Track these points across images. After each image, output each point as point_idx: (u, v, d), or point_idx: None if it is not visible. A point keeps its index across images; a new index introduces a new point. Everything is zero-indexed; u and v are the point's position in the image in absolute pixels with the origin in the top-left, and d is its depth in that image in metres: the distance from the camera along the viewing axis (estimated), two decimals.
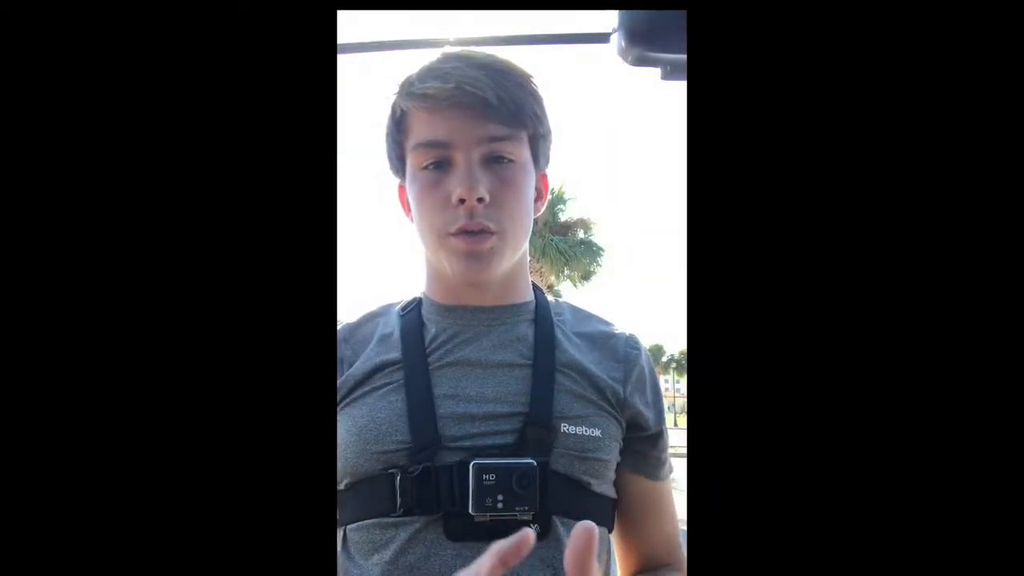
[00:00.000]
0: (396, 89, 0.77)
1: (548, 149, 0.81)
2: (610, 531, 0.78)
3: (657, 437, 0.80)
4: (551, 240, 16.83)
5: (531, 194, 0.78)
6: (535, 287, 0.86)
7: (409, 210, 0.80)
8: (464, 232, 0.73)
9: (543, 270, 16.78)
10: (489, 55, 0.75)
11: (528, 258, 0.85)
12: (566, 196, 17.76)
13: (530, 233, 0.80)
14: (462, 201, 0.71)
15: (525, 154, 0.76)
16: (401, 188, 0.82)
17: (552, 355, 0.76)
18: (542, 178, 0.83)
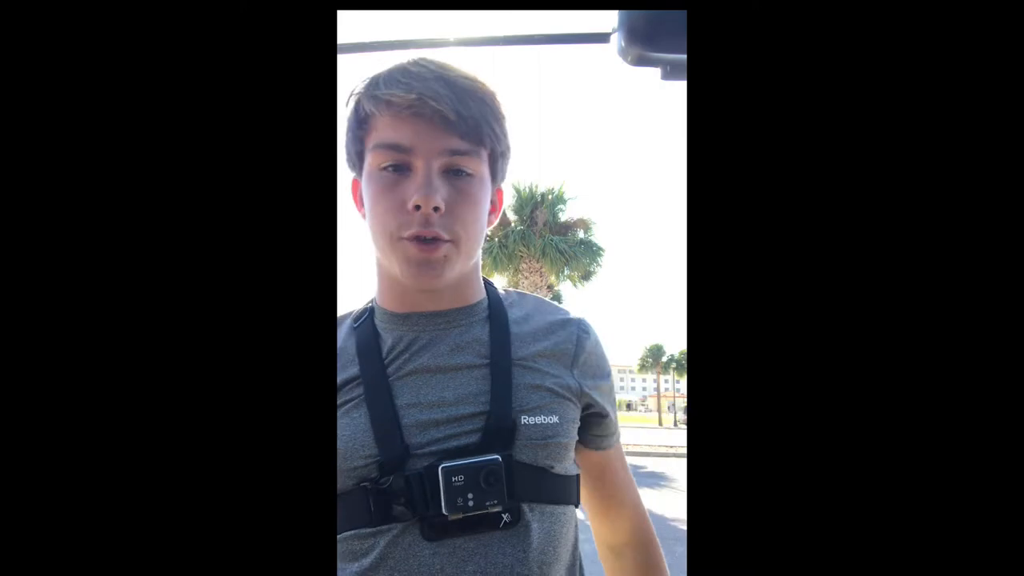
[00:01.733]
0: (360, 87, 0.77)
1: (506, 166, 0.83)
2: (576, 505, 0.82)
3: (603, 416, 0.85)
4: (551, 240, 16.83)
5: (486, 207, 0.80)
6: (486, 282, 0.88)
7: (361, 206, 0.81)
8: (417, 238, 0.73)
9: (543, 270, 16.79)
10: (456, 69, 0.75)
11: (480, 262, 0.87)
12: (566, 196, 17.76)
13: (481, 243, 0.82)
14: (418, 208, 0.72)
15: (483, 169, 0.77)
16: (355, 183, 0.83)
17: (508, 351, 0.79)
18: (497, 192, 0.85)
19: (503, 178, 0.84)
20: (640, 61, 0.70)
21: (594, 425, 0.86)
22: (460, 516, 0.71)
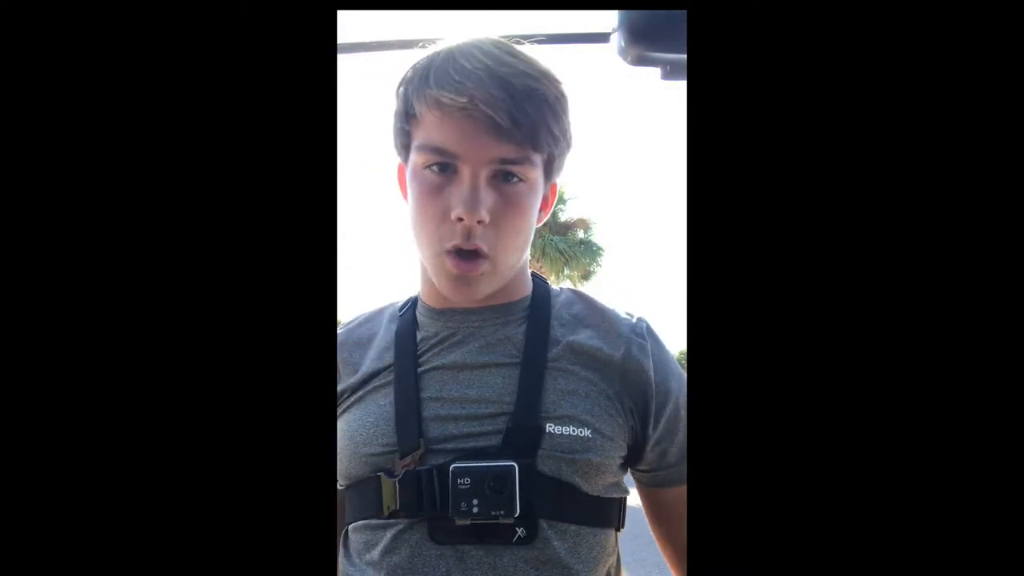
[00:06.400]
0: (412, 76, 0.72)
1: (564, 160, 0.77)
2: (617, 529, 0.76)
3: (653, 446, 0.77)
4: (551, 240, 16.86)
5: (535, 212, 0.75)
6: (536, 278, 0.83)
7: (406, 192, 0.77)
8: (457, 252, 0.70)
9: (543, 270, 16.83)
10: (520, 61, 0.70)
11: (528, 258, 0.83)
12: (566, 196, 17.79)
13: (528, 246, 0.78)
14: (461, 219, 0.69)
15: (536, 174, 0.72)
16: (401, 168, 0.78)
17: (543, 353, 0.74)
18: (551, 187, 0.79)
19: (560, 172, 0.78)
20: (640, 61, 0.70)
21: (641, 455, 0.76)
22: (467, 522, 0.67)
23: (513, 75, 0.68)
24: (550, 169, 0.75)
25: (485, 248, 0.70)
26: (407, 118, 0.73)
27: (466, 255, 0.70)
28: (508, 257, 0.73)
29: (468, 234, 0.69)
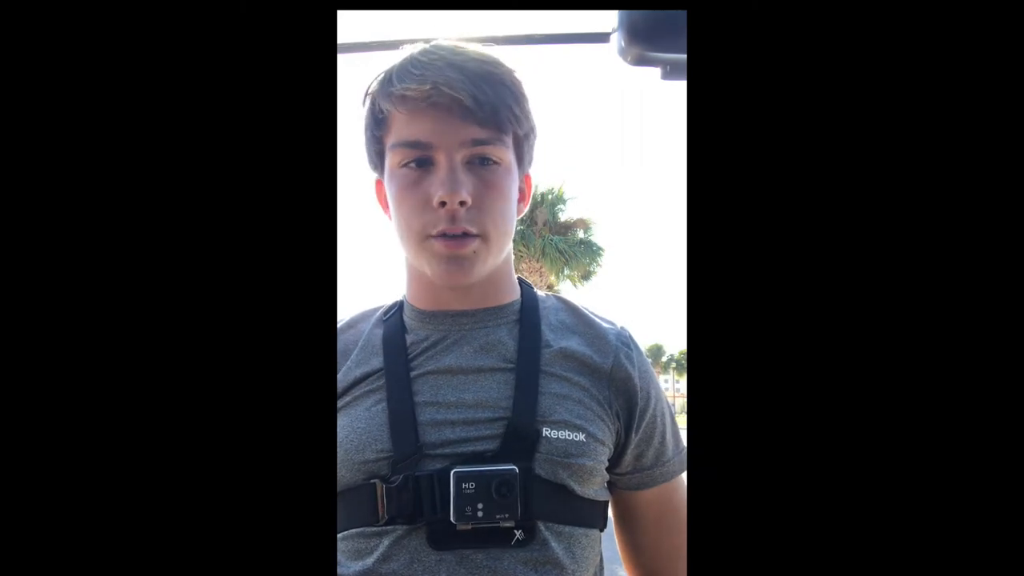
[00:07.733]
0: (375, 84, 0.75)
1: (532, 148, 0.79)
2: (601, 530, 0.77)
3: (635, 450, 0.78)
4: (551, 240, 16.87)
5: (515, 196, 0.77)
6: (523, 283, 0.85)
7: (387, 207, 0.78)
8: (445, 235, 0.71)
9: (543, 270, 16.82)
10: (472, 51, 0.73)
11: (512, 258, 0.84)
12: (566, 196, 17.81)
13: (512, 235, 0.79)
14: (443, 204, 0.70)
15: (509, 156, 0.75)
16: (378, 183, 0.80)
17: (536, 358, 0.75)
18: (525, 179, 0.81)
19: (531, 162, 0.80)
20: (640, 61, 0.70)
21: (620, 458, 0.78)
22: (469, 527, 0.67)
23: (467, 61, 0.71)
24: (520, 155, 0.77)
25: (473, 229, 0.72)
26: (377, 124, 0.76)
27: (454, 236, 0.72)
28: (496, 237, 0.74)
29: (452, 217, 0.71)
